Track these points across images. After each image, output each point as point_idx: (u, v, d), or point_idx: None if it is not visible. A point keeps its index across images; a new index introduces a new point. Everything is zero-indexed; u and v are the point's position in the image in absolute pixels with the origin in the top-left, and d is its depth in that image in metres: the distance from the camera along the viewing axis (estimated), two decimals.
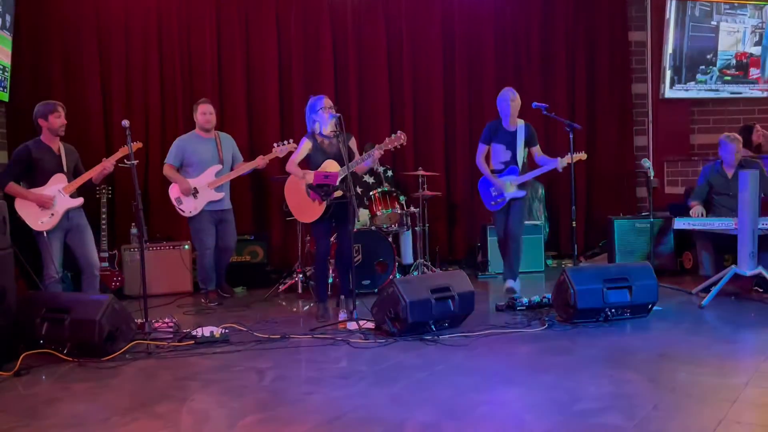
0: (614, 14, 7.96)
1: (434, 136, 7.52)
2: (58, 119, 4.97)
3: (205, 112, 5.82)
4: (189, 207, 5.74)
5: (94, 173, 5.07)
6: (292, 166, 5.05)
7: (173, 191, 5.78)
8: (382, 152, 4.99)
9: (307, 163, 5.06)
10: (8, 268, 4.15)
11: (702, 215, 5.80)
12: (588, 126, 7.76)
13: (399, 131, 5.01)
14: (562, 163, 5.56)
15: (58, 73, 6.70)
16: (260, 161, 5.76)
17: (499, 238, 5.85)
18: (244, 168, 5.85)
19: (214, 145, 5.86)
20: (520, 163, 5.63)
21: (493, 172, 5.70)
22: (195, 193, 5.72)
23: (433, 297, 4.40)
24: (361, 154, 5.10)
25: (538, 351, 4.04)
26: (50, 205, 4.91)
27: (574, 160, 5.55)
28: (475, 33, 7.62)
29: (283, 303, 5.85)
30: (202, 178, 5.76)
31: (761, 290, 5.51)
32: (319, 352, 4.16)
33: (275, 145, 5.68)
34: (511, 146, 5.61)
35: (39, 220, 4.90)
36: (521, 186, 5.64)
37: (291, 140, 5.67)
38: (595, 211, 7.79)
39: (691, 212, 5.84)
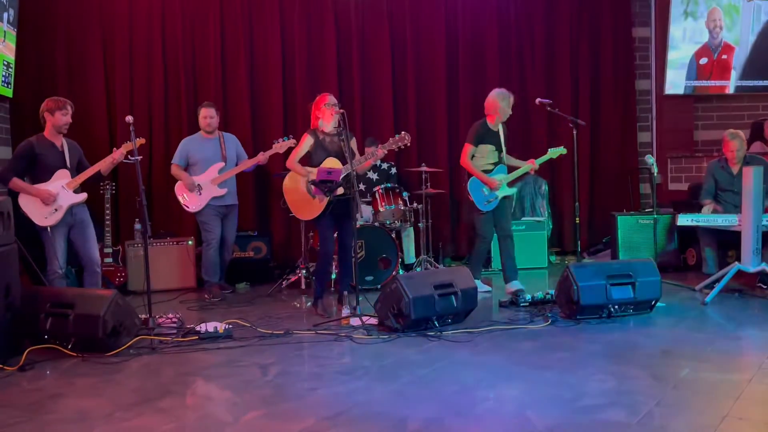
0: (618, 10, 7.95)
1: (437, 133, 7.51)
2: (64, 117, 4.97)
3: (206, 116, 6.00)
4: (193, 203, 5.89)
5: (103, 165, 5.08)
6: (293, 163, 5.04)
7: (179, 189, 5.95)
8: (386, 152, 5.01)
9: (309, 160, 5.05)
10: (12, 264, 4.17)
11: (709, 212, 5.78)
12: (592, 122, 7.75)
13: (403, 132, 5.04)
14: (537, 162, 5.68)
15: (62, 69, 6.72)
16: (260, 157, 5.93)
17: (489, 238, 5.71)
18: (246, 164, 6.01)
19: (217, 144, 6.00)
20: (505, 162, 5.69)
21: (483, 172, 5.62)
22: (199, 189, 5.84)
23: (436, 293, 4.41)
24: (362, 150, 5.09)
25: (541, 347, 4.04)
26: (52, 200, 4.92)
27: (555, 156, 5.69)
28: (478, 30, 7.61)
29: (287, 299, 5.86)
30: (205, 176, 5.90)
31: (765, 287, 5.50)
32: (322, 347, 4.17)
33: (275, 142, 5.83)
34: (499, 146, 5.63)
35: (43, 216, 4.91)
36: (510, 184, 5.67)
37: (291, 136, 5.81)
38: (599, 207, 7.79)
39: (703, 210, 5.84)
